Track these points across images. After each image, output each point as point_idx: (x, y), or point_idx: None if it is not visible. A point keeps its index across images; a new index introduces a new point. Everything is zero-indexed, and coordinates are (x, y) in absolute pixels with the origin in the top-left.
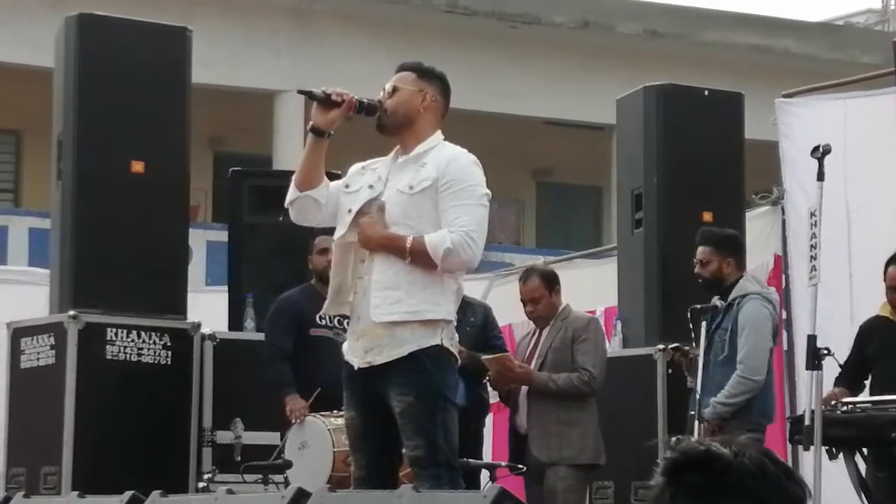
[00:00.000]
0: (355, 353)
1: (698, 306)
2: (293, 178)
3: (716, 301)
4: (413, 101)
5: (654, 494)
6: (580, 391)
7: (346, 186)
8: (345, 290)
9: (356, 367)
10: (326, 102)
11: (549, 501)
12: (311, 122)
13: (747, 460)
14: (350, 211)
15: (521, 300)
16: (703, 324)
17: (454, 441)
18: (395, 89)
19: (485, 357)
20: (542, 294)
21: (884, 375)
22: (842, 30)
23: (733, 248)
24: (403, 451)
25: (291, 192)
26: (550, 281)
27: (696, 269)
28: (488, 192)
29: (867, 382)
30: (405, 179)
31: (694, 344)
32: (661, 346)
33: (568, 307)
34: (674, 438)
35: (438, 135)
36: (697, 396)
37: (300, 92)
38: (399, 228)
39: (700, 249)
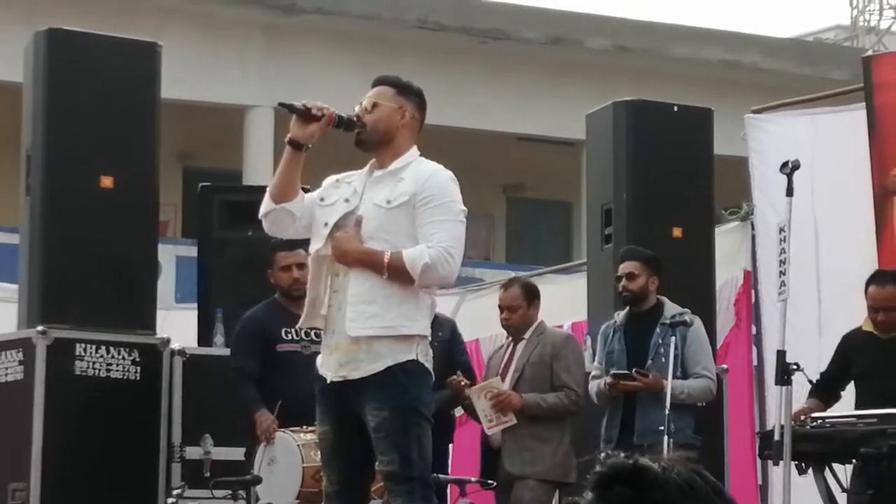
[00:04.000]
0: (329, 366)
1: (613, 322)
2: (268, 189)
3: (616, 317)
4: (393, 118)
5: None
6: (569, 410)
7: (322, 199)
8: (318, 304)
9: (329, 381)
10: (306, 116)
11: None
12: (288, 135)
13: (675, 475)
14: (326, 224)
15: (499, 306)
16: (611, 338)
17: (428, 457)
18: (374, 105)
19: (473, 389)
20: (520, 304)
21: (871, 391)
22: (811, 46)
23: (658, 268)
24: (376, 465)
25: (266, 204)
26: (531, 294)
27: (623, 283)
28: (465, 209)
29: (843, 394)
30: (382, 194)
31: (596, 361)
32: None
33: (543, 323)
34: (602, 454)
35: (415, 150)
36: (667, 413)
37: (281, 105)
38: (375, 243)
39: (628, 263)
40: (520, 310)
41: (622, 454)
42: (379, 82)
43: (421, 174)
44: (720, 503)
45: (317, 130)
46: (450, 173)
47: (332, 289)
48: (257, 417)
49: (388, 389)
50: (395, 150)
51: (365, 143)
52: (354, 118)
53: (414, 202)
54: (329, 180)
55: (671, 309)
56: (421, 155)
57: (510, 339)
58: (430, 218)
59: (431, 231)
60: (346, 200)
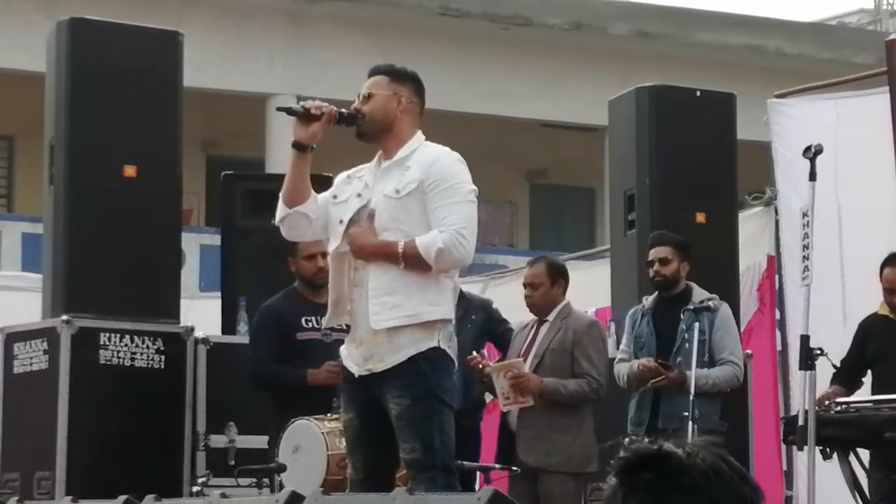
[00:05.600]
0: (354, 359)
1: (641, 306)
2: (281, 194)
3: (644, 301)
4: (389, 105)
5: (607, 496)
6: (589, 398)
7: (335, 197)
8: (343, 301)
9: (356, 375)
10: (306, 117)
11: None
12: (292, 138)
13: (700, 460)
14: (342, 222)
15: (523, 284)
16: (640, 322)
17: (450, 444)
18: (370, 95)
19: (492, 365)
20: (541, 281)
21: (886, 375)
22: (834, 30)
23: (688, 253)
24: (400, 453)
25: (280, 210)
26: (555, 273)
27: (655, 268)
28: (475, 188)
29: (865, 380)
30: (391, 184)
31: (622, 345)
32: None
33: (569, 306)
34: (626, 439)
35: (419, 136)
36: (692, 398)
37: (280, 109)
38: (389, 234)
39: (660, 249)
40: (541, 287)
41: (646, 440)
42: (373, 72)
43: (426, 159)
44: (745, 488)
45: (319, 129)
46: (456, 155)
47: (352, 283)
48: (312, 376)
49: (410, 377)
50: (398, 138)
51: (366, 134)
52: (354, 112)
53: (422, 188)
54: (340, 177)
55: (699, 294)
56: (443, 140)
57: (535, 319)
58: (439, 202)
59: (442, 215)
60: (359, 195)
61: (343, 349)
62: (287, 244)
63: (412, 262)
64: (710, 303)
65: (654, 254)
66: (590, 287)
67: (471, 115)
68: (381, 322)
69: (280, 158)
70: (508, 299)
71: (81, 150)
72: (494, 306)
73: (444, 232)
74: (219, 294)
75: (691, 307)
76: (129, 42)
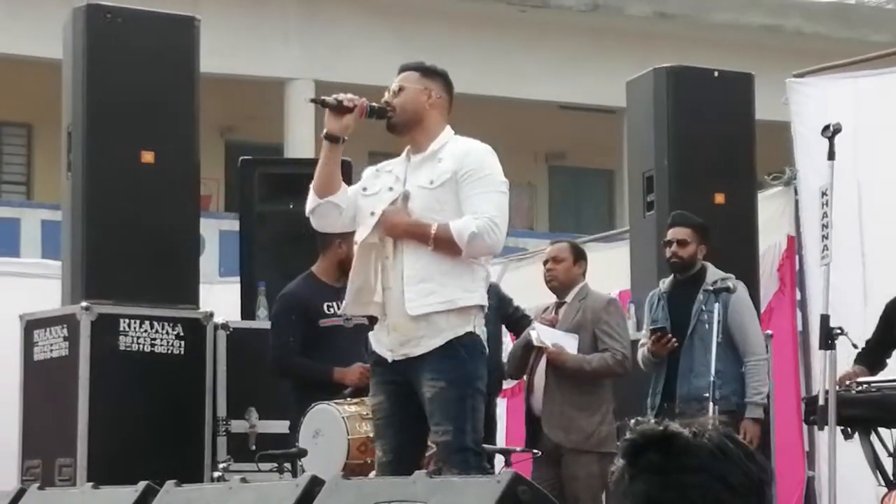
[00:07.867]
0: (387, 345)
1: (658, 290)
2: (312, 185)
3: (661, 284)
4: (419, 98)
5: (615, 478)
6: (614, 371)
7: (364, 189)
8: (367, 291)
9: (391, 360)
10: (339, 109)
11: (570, 487)
12: (325, 129)
13: (706, 440)
14: (373, 213)
15: (544, 261)
16: (656, 306)
17: (480, 428)
18: (400, 88)
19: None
20: (565, 257)
21: None
22: (852, 9)
23: (707, 235)
24: (430, 435)
25: (311, 200)
26: (577, 252)
27: (673, 249)
28: (506, 180)
29: (888, 361)
30: (424, 176)
31: (643, 328)
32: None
33: (587, 286)
34: (632, 420)
35: (448, 130)
36: (712, 379)
37: (313, 101)
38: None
39: (679, 230)
40: (564, 262)
41: (653, 420)
42: (403, 69)
43: (459, 151)
44: (752, 467)
45: (351, 122)
46: (488, 147)
47: (384, 273)
48: (342, 374)
49: (448, 361)
50: (428, 132)
51: (396, 126)
52: (384, 105)
53: (456, 178)
54: (369, 171)
55: (714, 274)
56: (461, 124)
57: (554, 302)
58: (473, 191)
59: (476, 203)
60: (390, 189)
61: (372, 335)
62: (308, 228)
63: (442, 244)
64: (728, 283)
65: (672, 234)
66: (609, 269)
67: (488, 98)
68: (418, 308)
69: (298, 143)
70: (528, 281)
71: (99, 136)
72: (503, 288)
73: (479, 219)
74: (238, 279)
75: (710, 288)
76: (145, 27)
